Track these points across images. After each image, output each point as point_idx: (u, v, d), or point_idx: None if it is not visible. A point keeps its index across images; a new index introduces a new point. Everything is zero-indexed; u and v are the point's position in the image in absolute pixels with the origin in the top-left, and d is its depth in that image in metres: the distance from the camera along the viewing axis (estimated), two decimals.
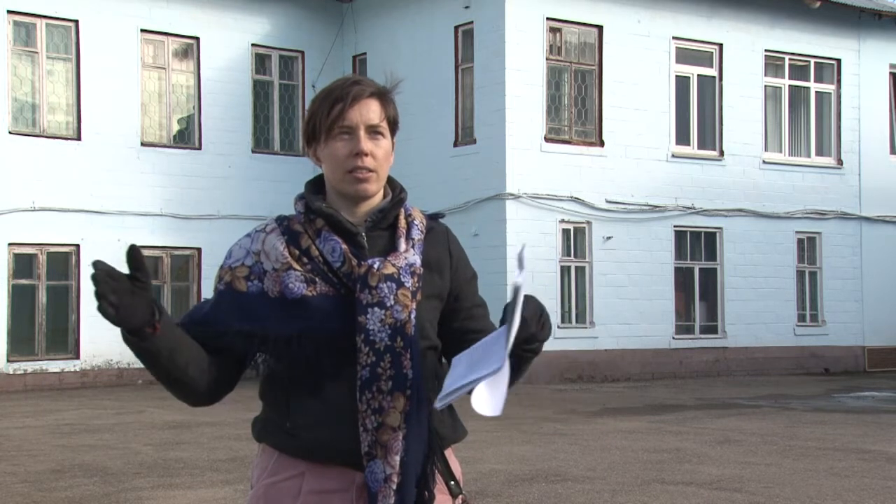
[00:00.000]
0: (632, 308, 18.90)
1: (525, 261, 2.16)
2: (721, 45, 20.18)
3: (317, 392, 2.23)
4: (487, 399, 2.05)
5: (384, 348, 2.22)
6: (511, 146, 17.84)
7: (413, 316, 2.26)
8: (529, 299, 2.16)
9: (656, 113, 19.35)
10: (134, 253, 2.03)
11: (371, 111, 2.29)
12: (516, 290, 2.02)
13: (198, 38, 19.54)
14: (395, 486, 2.21)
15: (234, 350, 2.25)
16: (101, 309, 2.00)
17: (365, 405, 2.20)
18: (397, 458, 2.21)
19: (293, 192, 2.46)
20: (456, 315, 2.39)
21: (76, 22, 18.41)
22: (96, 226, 18.34)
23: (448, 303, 2.39)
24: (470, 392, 2.04)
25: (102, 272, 2.00)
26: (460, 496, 2.33)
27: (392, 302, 2.24)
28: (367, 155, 2.27)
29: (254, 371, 2.30)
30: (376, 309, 2.22)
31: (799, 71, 21.39)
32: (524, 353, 2.15)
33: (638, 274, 19.00)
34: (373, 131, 2.29)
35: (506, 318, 2.05)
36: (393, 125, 2.34)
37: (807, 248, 21.21)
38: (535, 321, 2.14)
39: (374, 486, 2.21)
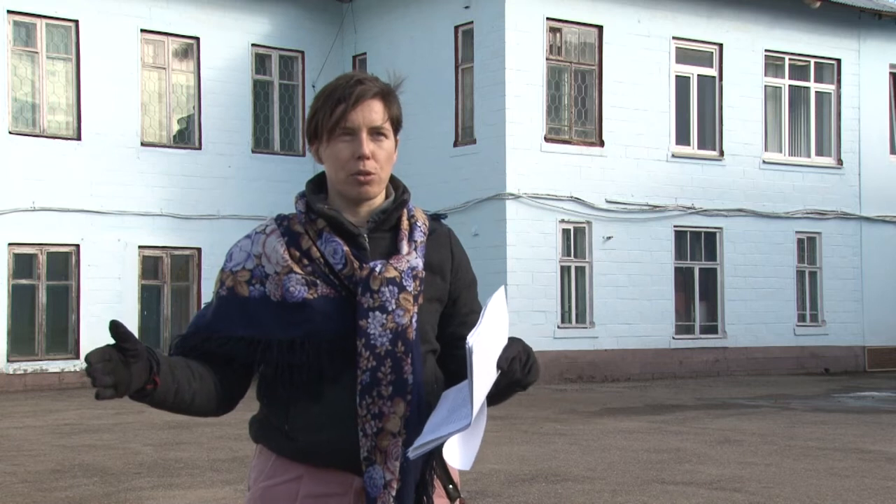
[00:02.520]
0: (632, 308, 18.89)
1: (491, 310, 2.08)
2: (721, 45, 20.18)
3: (316, 395, 2.21)
4: (459, 452, 2.05)
5: (385, 353, 2.20)
6: (511, 146, 17.84)
7: (415, 320, 2.24)
8: (515, 341, 2.15)
9: (656, 113, 19.34)
10: (117, 328, 1.96)
11: (374, 112, 2.25)
12: (469, 353, 1.98)
13: (198, 38, 19.53)
14: (394, 493, 2.20)
15: (240, 357, 2.24)
16: (99, 395, 1.96)
17: (365, 410, 2.19)
18: (397, 463, 2.19)
19: (293, 192, 2.45)
20: (451, 320, 2.36)
21: (76, 22, 18.40)
22: (96, 226, 18.34)
23: (446, 306, 2.36)
24: (443, 444, 2.04)
25: (95, 360, 1.94)
26: (458, 499, 2.32)
27: (394, 306, 2.22)
28: (368, 158, 2.24)
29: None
30: (377, 313, 2.21)
31: (799, 71, 21.39)
32: (511, 391, 2.17)
33: (638, 274, 19.00)
34: (375, 132, 2.26)
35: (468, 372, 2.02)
36: (396, 124, 2.31)
37: (807, 248, 21.20)
38: (521, 367, 2.13)
39: (374, 492, 2.19)
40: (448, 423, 2.05)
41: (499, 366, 2.09)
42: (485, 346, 2.04)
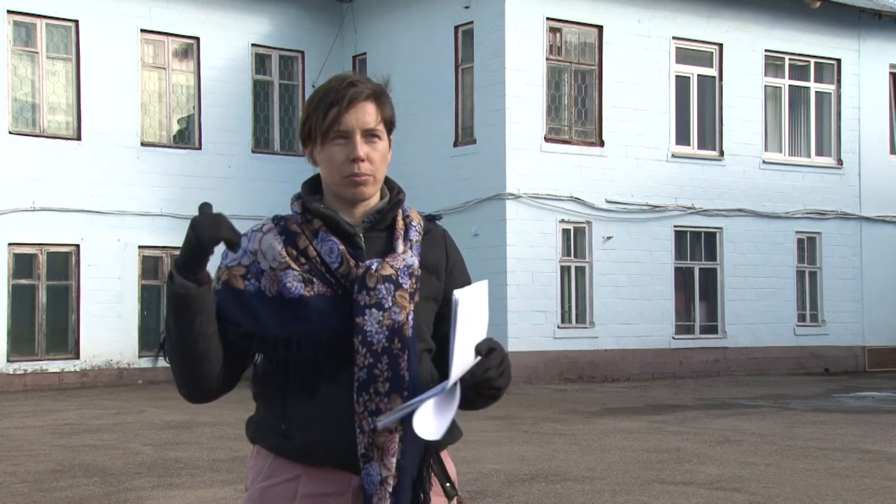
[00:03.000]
0: (632, 308, 18.89)
1: (476, 288, 2.18)
2: (721, 45, 20.18)
3: (313, 394, 2.21)
4: (430, 422, 2.05)
5: (381, 350, 2.20)
6: (511, 146, 17.84)
7: (411, 318, 2.25)
8: (490, 341, 2.18)
9: (656, 113, 19.34)
10: (206, 207, 2.13)
11: (367, 114, 2.26)
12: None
13: (198, 38, 19.53)
14: (390, 489, 2.20)
15: (234, 349, 2.24)
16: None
17: (362, 407, 2.19)
18: (393, 460, 2.20)
19: (293, 192, 2.46)
20: (445, 320, 2.34)
21: (76, 22, 18.40)
22: (96, 226, 18.34)
23: (441, 306, 2.36)
24: (413, 413, 2.04)
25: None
26: (456, 498, 2.33)
27: (390, 303, 2.22)
28: (363, 160, 2.25)
29: (252, 370, 2.30)
30: (374, 310, 2.21)
31: (799, 71, 21.39)
32: (482, 394, 2.19)
33: (638, 274, 19.00)
34: (369, 134, 2.27)
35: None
36: (389, 125, 2.32)
37: (807, 248, 21.21)
38: (496, 367, 2.15)
39: (370, 489, 2.19)
40: (423, 395, 2.09)
41: (478, 351, 2.11)
42: (468, 313, 2.06)
